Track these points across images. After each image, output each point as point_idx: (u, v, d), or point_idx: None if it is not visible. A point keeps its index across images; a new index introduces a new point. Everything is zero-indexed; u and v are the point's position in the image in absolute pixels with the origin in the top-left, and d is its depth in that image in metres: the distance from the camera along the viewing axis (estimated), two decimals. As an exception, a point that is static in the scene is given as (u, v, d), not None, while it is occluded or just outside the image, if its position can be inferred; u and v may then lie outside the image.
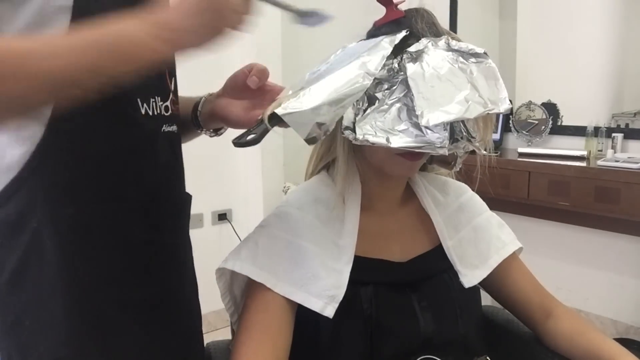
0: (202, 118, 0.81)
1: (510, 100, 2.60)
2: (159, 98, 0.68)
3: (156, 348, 0.67)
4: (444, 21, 2.85)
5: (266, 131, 0.67)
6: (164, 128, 0.69)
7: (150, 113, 0.66)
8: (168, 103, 0.70)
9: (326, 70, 0.73)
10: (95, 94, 0.52)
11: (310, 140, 0.66)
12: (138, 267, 0.65)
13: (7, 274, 0.58)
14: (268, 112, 0.67)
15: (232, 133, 0.74)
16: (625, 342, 1.57)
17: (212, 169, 2.44)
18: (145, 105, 0.65)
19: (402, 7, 0.79)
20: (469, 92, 0.69)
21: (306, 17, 0.71)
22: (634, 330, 2.29)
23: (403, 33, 0.74)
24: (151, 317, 0.66)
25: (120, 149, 0.63)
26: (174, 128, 0.71)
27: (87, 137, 0.59)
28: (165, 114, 0.69)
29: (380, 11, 0.79)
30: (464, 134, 0.73)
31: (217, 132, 0.85)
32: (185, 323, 0.73)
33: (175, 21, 0.56)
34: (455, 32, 2.65)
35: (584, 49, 2.41)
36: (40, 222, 0.58)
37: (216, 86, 0.83)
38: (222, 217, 2.60)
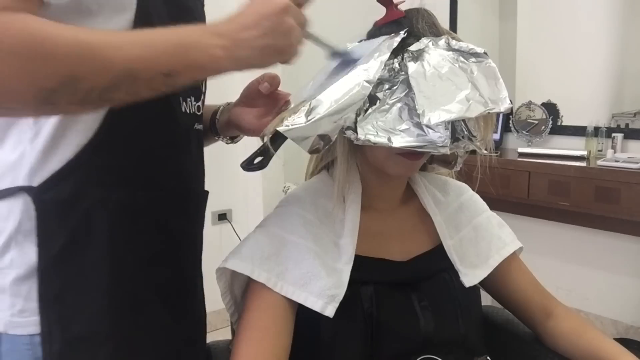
0: (219, 126, 0.87)
1: (510, 100, 2.61)
2: (194, 98, 0.73)
3: (176, 330, 0.71)
4: (444, 21, 2.86)
5: (272, 153, 0.69)
6: (195, 126, 0.75)
7: (188, 111, 0.72)
8: (200, 103, 0.76)
9: (327, 79, 0.73)
10: (153, 92, 0.56)
11: (313, 152, 0.68)
12: (171, 252, 0.70)
13: (56, 250, 0.60)
14: (270, 129, 0.69)
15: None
16: (625, 342, 1.57)
17: (212, 169, 2.42)
18: (184, 103, 0.71)
19: (403, 7, 0.79)
20: (470, 92, 0.69)
21: (338, 55, 0.75)
22: (634, 330, 2.29)
23: (401, 35, 0.74)
24: (176, 301, 0.71)
25: (164, 142, 0.68)
26: (201, 127, 0.78)
27: (139, 128, 0.64)
28: (197, 113, 0.75)
29: (381, 11, 0.79)
30: (465, 133, 0.73)
31: (233, 139, 0.91)
32: (198, 310, 0.78)
33: (235, 30, 0.59)
34: (455, 32, 2.65)
35: (584, 49, 2.41)
36: (92, 204, 0.61)
37: (218, 90, 0.90)
38: (222, 217, 2.60)
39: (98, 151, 0.61)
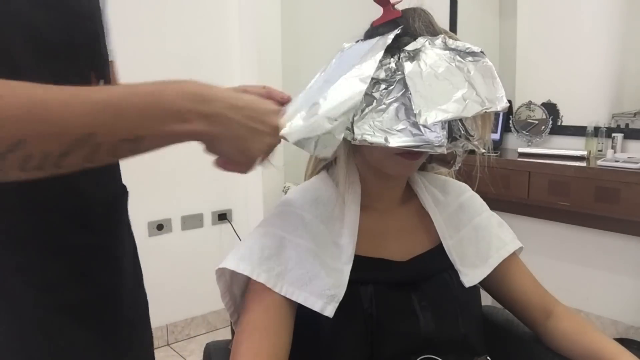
0: None
1: (510, 100, 2.61)
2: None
3: (104, 341, 0.68)
4: (444, 21, 2.86)
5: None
6: None
7: None
8: None
9: (325, 82, 0.73)
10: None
11: (323, 152, 0.66)
12: (73, 271, 0.64)
13: None
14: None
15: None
16: (625, 342, 1.57)
17: (212, 169, 2.43)
18: None
19: (400, 6, 0.79)
20: (467, 91, 0.69)
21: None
22: (634, 330, 2.29)
23: (394, 32, 0.74)
24: (93, 315, 0.67)
25: None
26: None
27: None
28: None
29: (378, 11, 0.79)
30: (462, 132, 0.73)
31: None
32: (130, 314, 0.74)
33: (218, 102, 0.54)
34: (455, 32, 2.65)
35: (584, 49, 2.41)
36: None
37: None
38: (222, 217, 2.60)
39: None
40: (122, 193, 0.75)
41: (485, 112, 0.69)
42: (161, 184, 2.38)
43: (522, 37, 2.62)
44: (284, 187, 2.52)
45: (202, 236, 2.55)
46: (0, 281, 0.58)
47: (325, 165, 0.89)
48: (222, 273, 0.80)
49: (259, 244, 0.78)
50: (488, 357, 0.85)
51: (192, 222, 2.50)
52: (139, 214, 2.36)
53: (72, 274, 0.64)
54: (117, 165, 0.73)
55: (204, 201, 2.51)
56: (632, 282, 2.29)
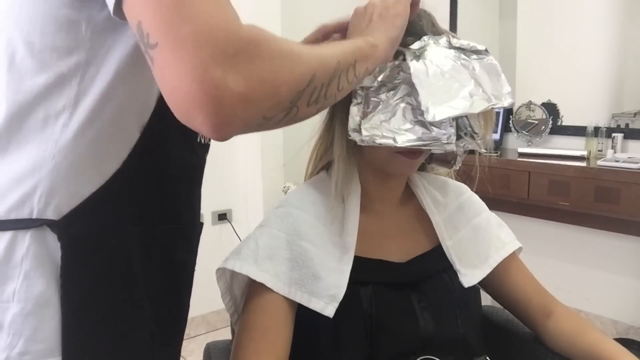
0: None
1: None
2: None
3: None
4: (444, 21, 2.85)
5: None
6: (206, 156, 0.71)
7: (202, 141, 0.67)
8: None
9: None
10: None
11: None
12: (173, 287, 0.66)
13: (80, 293, 0.55)
14: None
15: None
16: (625, 342, 1.57)
17: (212, 169, 2.42)
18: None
19: None
20: (473, 88, 0.70)
21: None
22: (634, 330, 2.29)
23: None
24: (173, 336, 0.67)
25: (182, 173, 0.65)
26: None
27: (162, 159, 0.60)
28: (209, 144, 0.70)
29: None
30: (469, 129, 0.73)
31: None
32: (180, 340, 0.73)
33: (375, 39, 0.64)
34: (455, 32, 2.65)
35: (584, 49, 2.41)
36: (118, 240, 0.56)
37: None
38: (222, 217, 2.60)
39: (126, 182, 0.57)
40: (201, 225, 0.76)
41: (492, 108, 0.70)
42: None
43: (522, 37, 2.62)
44: (284, 187, 2.52)
45: (202, 236, 2.54)
46: (129, 291, 0.58)
47: (325, 166, 0.89)
48: (222, 273, 0.80)
49: (259, 244, 0.78)
50: (488, 357, 0.85)
51: (192, 222, 2.48)
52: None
53: (170, 289, 0.65)
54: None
55: (203, 201, 2.50)
56: (632, 282, 2.29)
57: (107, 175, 0.56)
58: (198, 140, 0.66)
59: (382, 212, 0.87)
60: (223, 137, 0.46)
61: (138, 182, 0.58)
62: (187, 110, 0.44)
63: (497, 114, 2.61)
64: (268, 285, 0.75)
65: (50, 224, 0.53)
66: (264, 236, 0.79)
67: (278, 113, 0.48)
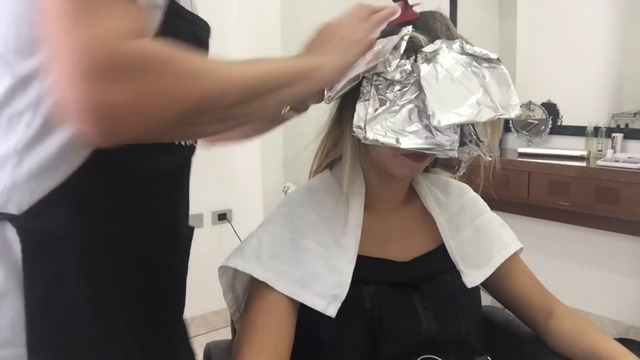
0: None
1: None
2: None
3: None
4: (444, 21, 2.84)
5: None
6: (191, 158, 0.71)
7: (183, 143, 0.67)
8: None
9: None
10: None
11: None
12: (150, 288, 0.65)
13: (42, 288, 0.55)
14: None
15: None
16: (625, 342, 1.57)
17: (212, 169, 2.44)
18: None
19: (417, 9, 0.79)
20: (481, 96, 0.69)
21: None
22: (634, 330, 2.29)
23: (403, 33, 0.74)
24: (151, 337, 0.66)
25: (155, 174, 0.64)
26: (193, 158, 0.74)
27: (130, 159, 0.59)
28: (195, 145, 0.71)
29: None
30: (473, 137, 0.73)
31: (298, 110, 0.85)
32: (179, 340, 0.73)
33: (318, 59, 0.67)
34: (455, 32, 2.65)
35: (584, 49, 2.41)
36: (82, 237, 0.57)
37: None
38: (222, 217, 2.60)
39: (88, 179, 0.56)
40: (192, 229, 0.77)
41: (498, 118, 0.69)
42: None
43: (522, 37, 2.62)
44: (284, 187, 2.52)
45: (201, 236, 2.53)
46: (93, 288, 0.58)
47: (329, 164, 0.89)
48: (224, 271, 0.80)
49: (262, 242, 0.78)
50: (488, 357, 0.85)
51: (191, 222, 2.48)
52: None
53: (147, 291, 0.65)
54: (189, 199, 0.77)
55: (203, 201, 2.51)
56: (632, 282, 2.29)
57: (67, 174, 0.55)
58: (177, 143, 0.65)
59: (386, 211, 0.87)
60: (111, 144, 0.49)
61: (100, 182, 0.58)
62: (73, 119, 0.46)
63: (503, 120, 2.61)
64: (270, 284, 0.75)
65: (10, 219, 0.54)
66: (266, 235, 0.79)
67: (168, 127, 0.50)
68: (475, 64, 0.72)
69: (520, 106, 2.66)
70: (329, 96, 0.77)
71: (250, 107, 0.57)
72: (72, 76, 0.44)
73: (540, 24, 2.59)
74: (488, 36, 2.77)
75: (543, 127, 2.44)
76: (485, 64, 0.73)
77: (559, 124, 2.44)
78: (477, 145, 0.74)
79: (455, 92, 0.69)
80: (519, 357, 0.95)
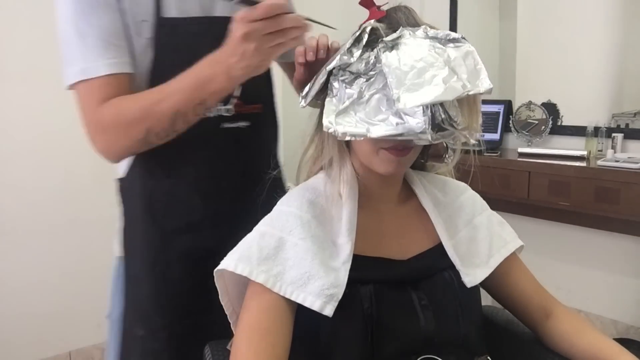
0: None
1: (510, 101, 2.60)
2: (220, 102, 0.91)
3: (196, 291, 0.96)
4: (444, 21, 2.86)
5: None
6: (223, 125, 0.95)
7: (210, 115, 0.91)
8: (230, 106, 0.94)
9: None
10: (198, 116, 0.85)
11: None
12: (193, 226, 0.96)
13: (128, 216, 0.97)
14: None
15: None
16: (625, 342, 1.57)
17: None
18: None
19: (390, 6, 0.80)
20: (447, 75, 0.68)
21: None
22: (634, 330, 2.29)
23: (364, 26, 0.75)
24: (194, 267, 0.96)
25: (185, 141, 0.88)
26: (239, 124, 0.97)
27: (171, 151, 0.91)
28: (225, 115, 0.94)
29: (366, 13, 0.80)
30: (444, 117, 0.70)
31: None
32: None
33: (223, 58, 0.78)
34: (455, 32, 2.64)
35: (584, 49, 2.41)
36: (142, 186, 0.95)
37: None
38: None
39: (142, 156, 0.92)
40: (256, 177, 0.98)
41: (467, 94, 0.68)
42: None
43: (522, 37, 2.62)
44: (286, 187, 2.52)
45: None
46: (145, 215, 0.96)
47: (323, 166, 0.89)
48: (220, 274, 0.80)
49: (257, 244, 0.78)
50: (488, 357, 0.85)
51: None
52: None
53: (186, 226, 0.97)
54: (259, 154, 1.06)
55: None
56: (632, 282, 2.29)
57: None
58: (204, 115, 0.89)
59: (382, 210, 0.86)
60: (108, 160, 0.91)
61: (152, 151, 0.89)
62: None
63: (497, 113, 2.61)
64: (267, 285, 0.75)
65: (120, 180, 1.00)
66: (262, 236, 0.79)
67: (136, 144, 0.87)
68: (439, 45, 0.72)
69: (520, 106, 2.64)
70: (302, 100, 0.78)
71: (185, 119, 0.84)
72: (87, 133, 0.89)
73: (540, 24, 2.59)
74: (488, 36, 2.77)
75: (543, 127, 2.44)
76: (450, 44, 0.72)
77: (559, 124, 2.44)
78: (453, 126, 0.71)
79: (419, 74, 0.68)
80: (519, 357, 0.95)
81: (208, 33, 0.84)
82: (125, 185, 0.97)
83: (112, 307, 1.03)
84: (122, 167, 0.97)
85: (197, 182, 0.94)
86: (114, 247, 1.02)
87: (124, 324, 1.00)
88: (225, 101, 0.93)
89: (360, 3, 0.77)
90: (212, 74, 0.80)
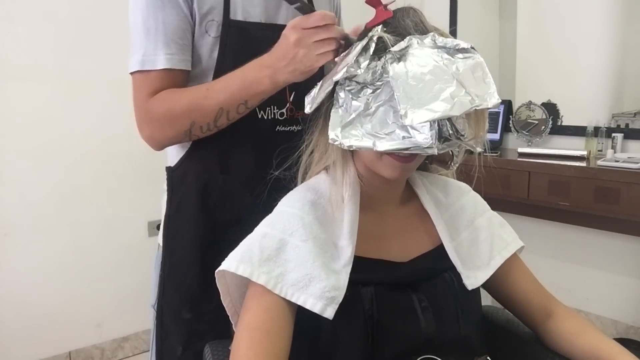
0: None
1: (510, 100, 2.60)
2: (275, 107, 1.00)
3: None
4: (444, 21, 2.85)
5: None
6: (277, 128, 1.01)
7: (266, 117, 0.99)
8: (284, 110, 1.01)
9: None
10: (240, 115, 0.90)
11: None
12: (244, 219, 0.96)
13: (174, 206, 1.00)
14: None
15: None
16: (625, 342, 1.57)
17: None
18: (261, 111, 0.99)
19: (394, 6, 0.79)
20: (455, 89, 0.67)
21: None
22: (634, 330, 2.29)
23: (370, 35, 0.74)
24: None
25: (242, 141, 0.97)
26: (292, 128, 1.02)
27: (225, 131, 0.94)
28: (280, 118, 1.01)
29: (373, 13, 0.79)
30: (452, 132, 0.69)
31: None
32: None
33: (271, 62, 0.84)
34: (455, 32, 2.65)
35: (584, 49, 2.41)
36: (193, 180, 0.98)
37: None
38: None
39: (196, 149, 0.98)
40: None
41: (476, 109, 0.68)
42: (161, 184, 2.37)
43: (522, 37, 2.62)
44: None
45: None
46: (196, 207, 0.99)
47: (325, 167, 0.89)
48: (222, 275, 0.79)
49: (258, 245, 0.78)
50: (488, 357, 0.85)
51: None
52: (139, 213, 2.35)
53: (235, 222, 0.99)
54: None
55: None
56: (632, 282, 2.29)
57: (187, 147, 1.00)
58: (260, 117, 0.98)
59: (383, 211, 0.86)
60: (152, 147, 0.97)
61: (205, 148, 0.97)
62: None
63: (497, 113, 2.61)
64: (268, 286, 0.75)
65: (168, 169, 1.03)
66: (263, 237, 0.79)
67: (179, 136, 0.93)
68: (447, 56, 0.70)
69: (520, 106, 2.64)
70: (308, 106, 0.78)
71: (228, 117, 0.90)
72: (137, 122, 0.95)
73: (540, 24, 2.59)
74: (488, 36, 2.77)
75: (543, 127, 2.44)
76: (459, 55, 0.71)
77: (559, 124, 2.44)
78: (459, 139, 0.70)
79: (427, 88, 0.67)
80: (519, 357, 0.95)
81: (270, 39, 0.87)
82: (177, 175, 1.00)
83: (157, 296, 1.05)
84: (171, 157, 1.02)
85: (249, 180, 0.98)
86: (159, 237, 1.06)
87: (163, 305, 1.02)
88: (280, 106, 0.99)
89: (366, 2, 0.77)
90: (258, 77, 0.84)
